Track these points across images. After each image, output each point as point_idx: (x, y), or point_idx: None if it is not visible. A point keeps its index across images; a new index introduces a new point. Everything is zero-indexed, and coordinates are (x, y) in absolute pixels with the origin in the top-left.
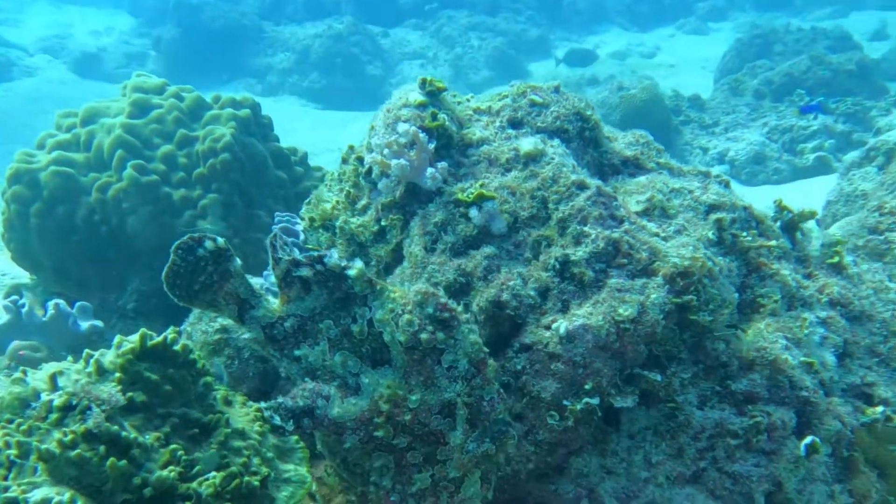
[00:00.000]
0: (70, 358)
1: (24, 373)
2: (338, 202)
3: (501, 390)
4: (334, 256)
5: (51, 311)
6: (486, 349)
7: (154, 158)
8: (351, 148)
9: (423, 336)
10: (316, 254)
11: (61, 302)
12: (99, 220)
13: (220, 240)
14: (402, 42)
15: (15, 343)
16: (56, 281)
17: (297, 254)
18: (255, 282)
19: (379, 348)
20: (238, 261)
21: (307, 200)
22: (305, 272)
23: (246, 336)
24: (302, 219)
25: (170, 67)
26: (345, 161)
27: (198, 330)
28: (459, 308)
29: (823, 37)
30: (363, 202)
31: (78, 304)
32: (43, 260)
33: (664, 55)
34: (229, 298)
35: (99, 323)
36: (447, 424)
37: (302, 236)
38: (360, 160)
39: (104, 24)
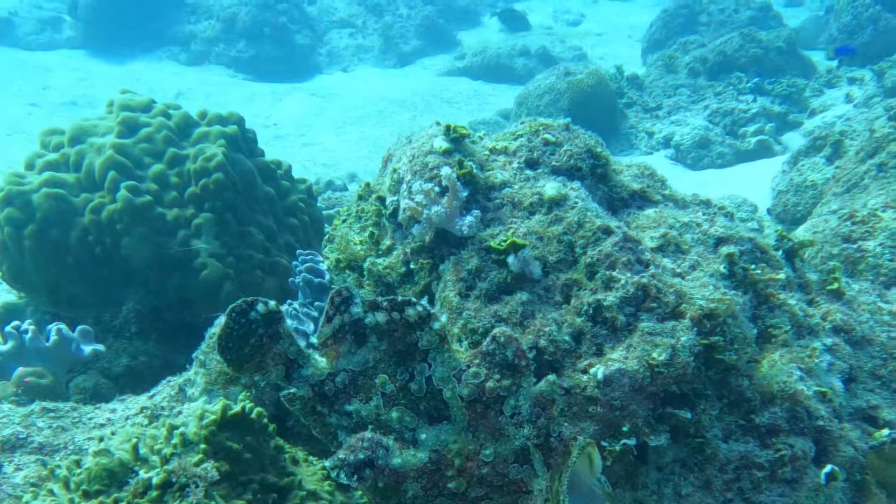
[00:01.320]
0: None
1: (101, 439)
2: (361, 241)
3: (567, 423)
4: (422, 303)
5: (53, 337)
6: (559, 391)
7: (146, 178)
8: (367, 185)
9: (490, 385)
10: (400, 298)
11: (63, 327)
12: (93, 241)
13: (272, 302)
14: (328, 10)
15: (20, 370)
16: (50, 301)
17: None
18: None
19: (437, 406)
20: (288, 321)
21: (326, 238)
22: (380, 318)
23: (291, 391)
24: (325, 258)
25: (87, 34)
26: (361, 198)
27: (212, 359)
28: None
29: (745, 7)
30: (387, 242)
31: (79, 328)
32: (36, 281)
33: (589, 23)
34: (277, 359)
35: (101, 347)
36: (526, 472)
37: (328, 276)
38: (381, 200)
39: None
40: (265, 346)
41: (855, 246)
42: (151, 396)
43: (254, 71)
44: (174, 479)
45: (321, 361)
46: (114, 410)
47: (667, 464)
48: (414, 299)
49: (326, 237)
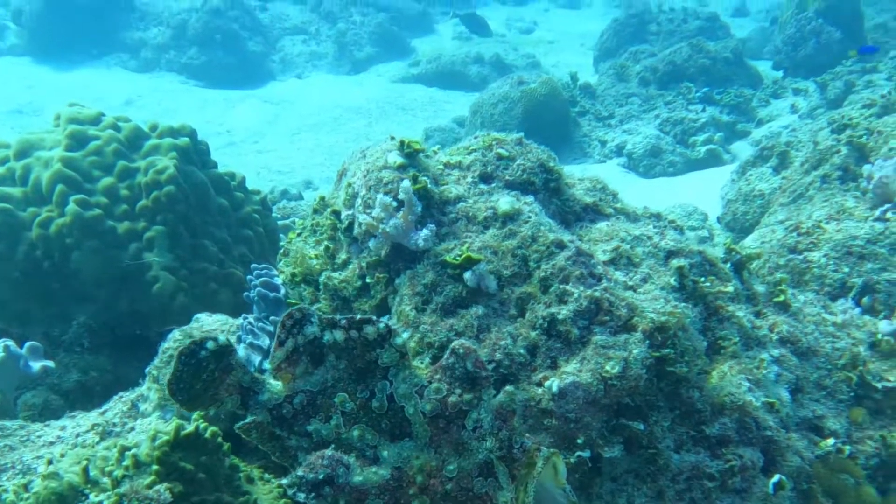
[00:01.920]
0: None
1: (50, 461)
2: (316, 255)
3: (527, 434)
4: (383, 321)
5: (1, 354)
6: (517, 400)
7: (95, 192)
8: (322, 199)
9: (452, 399)
10: (359, 317)
11: (11, 343)
12: (41, 256)
13: (222, 338)
14: (281, 17)
15: None
16: None
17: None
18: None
19: (398, 423)
20: (240, 352)
21: (281, 252)
22: (338, 336)
23: (250, 419)
24: (280, 272)
25: (33, 42)
26: (317, 211)
27: (165, 374)
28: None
29: (694, 17)
30: (342, 256)
31: (28, 344)
32: None
33: (542, 31)
34: (231, 389)
35: (50, 363)
36: (491, 485)
37: (283, 290)
38: (336, 214)
39: None
40: (217, 379)
41: (801, 257)
42: (103, 413)
43: (206, 78)
44: (126, 503)
45: (276, 385)
46: (63, 428)
47: (620, 474)
48: (373, 317)
49: (281, 251)
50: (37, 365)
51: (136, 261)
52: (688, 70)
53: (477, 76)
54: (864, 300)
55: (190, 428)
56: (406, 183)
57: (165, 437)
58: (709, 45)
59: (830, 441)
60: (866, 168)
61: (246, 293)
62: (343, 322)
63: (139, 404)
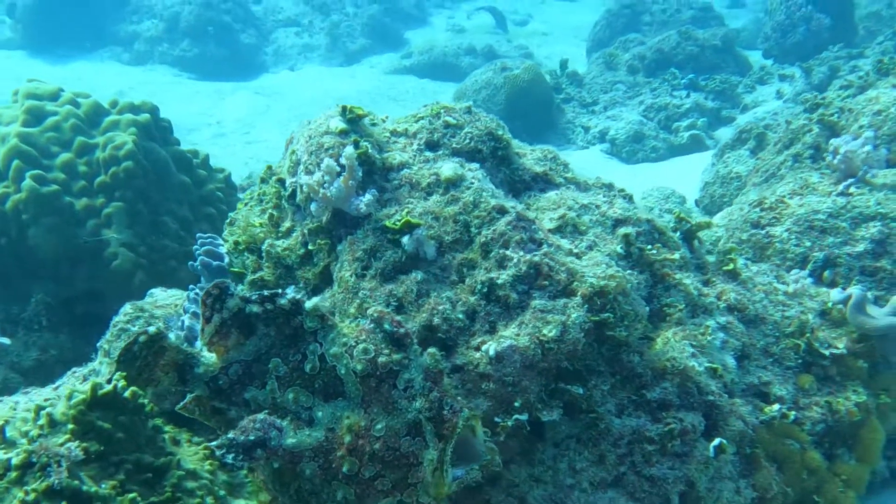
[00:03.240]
0: (10, 404)
1: None
2: (261, 224)
3: (458, 397)
4: (288, 293)
5: None
6: (442, 360)
7: (53, 168)
8: (269, 168)
9: (381, 360)
10: (268, 293)
11: None
12: None
13: (152, 329)
14: (274, 9)
15: None
16: None
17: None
18: (171, 293)
19: (332, 382)
20: (172, 336)
21: (227, 221)
22: (256, 309)
23: (190, 397)
24: (225, 240)
25: (27, 36)
26: (263, 181)
27: (116, 347)
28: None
29: (687, 7)
30: (287, 224)
31: None
32: None
33: (536, 23)
34: (167, 368)
35: (6, 340)
36: (418, 444)
37: (226, 259)
38: (281, 182)
39: None
40: (150, 364)
41: (763, 232)
42: (56, 388)
43: (198, 70)
44: (35, 459)
45: (210, 358)
46: (16, 403)
47: (563, 440)
48: (281, 290)
49: (228, 220)
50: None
51: (93, 238)
52: (675, 58)
53: (469, 67)
54: (826, 274)
55: (108, 387)
56: (349, 148)
57: (81, 396)
58: (697, 32)
59: (775, 407)
60: (833, 142)
61: (190, 262)
62: (255, 297)
63: (91, 378)
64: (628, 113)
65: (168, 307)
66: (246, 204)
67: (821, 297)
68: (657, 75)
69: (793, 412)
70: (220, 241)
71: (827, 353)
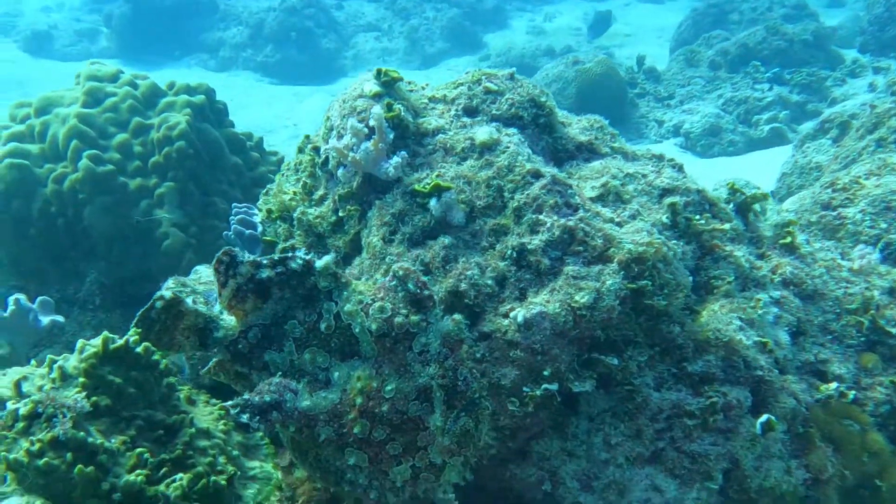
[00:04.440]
0: (34, 362)
1: None
2: (295, 193)
3: (474, 369)
4: (299, 256)
5: (11, 307)
6: (465, 329)
7: (109, 148)
8: (307, 137)
9: (398, 320)
10: (277, 256)
11: (22, 297)
12: (55, 212)
13: (168, 294)
14: (356, 14)
15: None
16: (13, 274)
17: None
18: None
19: (348, 341)
20: (190, 301)
21: (264, 191)
22: (267, 274)
23: (213, 362)
24: (259, 209)
25: (122, 44)
26: (301, 150)
27: None
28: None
29: (780, 5)
30: (320, 192)
31: (39, 298)
32: (1, 255)
33: (619, 25)
34: (187, 332)
35: (60, 318)
36: (425, 409)
37: (260, 227)
38: (317, 150)
39: (55, 0)
40: (170, 327)
41: (834, 213)
42: None
43: (279, 75)
44: (41, 410)
45: (231, 320)
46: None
47: (598, 413)
48: (292, 253)
49: (264, 191)
50: (46, 319)
51: (146, 218)
52: (761, 53)
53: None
54: None
55: (120, 342)
56: (377, 109)
57: (93, 350)
58: (786, 27)
59: (833, 385)
60: None
61: (225, 232)
62: (266, 262)
63: None
64: (705, 106)
65: (210, 283)
66: (283, 174)
67: (890, 276)
68: (740, 72)
69: (852, 392)
70: (255, 211)
71: (894, 331)
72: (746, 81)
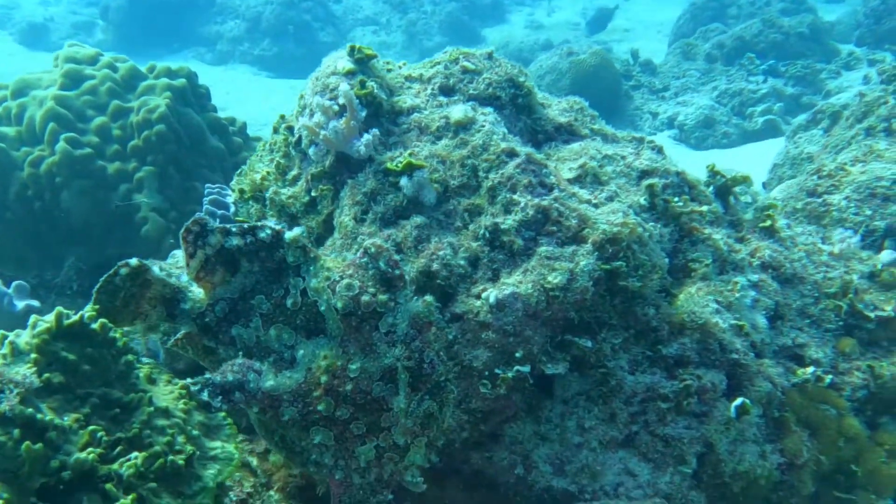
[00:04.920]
0: None
1: None
2: (268, 173)
3: (441, 352)
4: (269, 225)
5: None
6: (435, 311)
7: (88, 131)
8: (282, 117)
9: (365, 298)
10: (247, 224)
11: None
12: (32, 196)
13: (134, 261)
14: (354, 8)
15: None
16: None
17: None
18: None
19: (313, 318)
20: (156, 268)
21: (238, 171)
22: (236, 242)
23: (180, 333)
24: (232, 190)
25: (118, 37)
26: (276, 131)
27: None
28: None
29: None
30: (294, 172)
31: (14, 283)
32: None
33: (619, 19)
34: (154, 301)
35: (35, 303)
36: (389, 390)
37: (232, 208)
38: (291, 129)
39: None
40: (136, 295)
41: (819, 200)
42: None
43: (276, 69)
44: None
45: (199, 292)
46: None
47: (572, 397)
48: (261, 223)
49: (238, 171)
50: (21, 304)
51: (125, 202)
52: (757, 45)
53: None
54: (887, 244)
55: (74, 317)
56: (345, 86)
57: (45, 326)
58: (783, 20)
59: (809, 369)
60: None
61: (197, 213)
62: (235, 229)
63: None
64: (700, 98)
65: None
66: (258, 155)
67: (871, 260)
68: (735, 64)
69: (829, 376)
70: (229, 192)
71: (872, 315)
72: (741, 74)
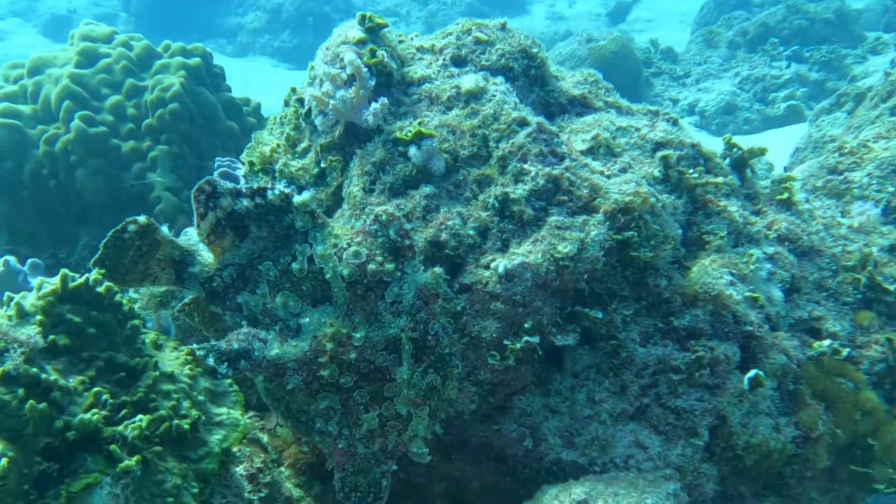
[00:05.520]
0: None
1: None
2: (277, 145)
3: (446, 324)
4: (278, 187)
5: (0, 269)
6: (443, 284)
7: (102, 109)
8: (293, 90)
9: (371, 267)
10: (256, 186)
11: (11, 259)
12: (47, 174)
13: (142, 218)
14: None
15: None
16: (5, 238)
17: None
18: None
19: (320, 286)
20: (165, 228)
21: (248, 145)
22: (246, 203)
23: (188, 298)
24: (242, 163)
25: (140, 28)
26: (286, 104)
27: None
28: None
29: None
30: (304, 144)
31: (29, 261)
32: None
33: (640, 10)
34: (163, 264)
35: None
36: (393, 360)
37: (242, 181)
38: (301, 101)
39: None
40: (146, 254)
41: (840, 178)
42: None
43: (295, 60)
44: None
45: (208, 257)
46: None
47: (583, 370)
48: (270, 185)
49: (249, 144)
50: (35, 281)
51: (139, 181)
52: (782, 32)
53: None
54: None
55: (80, 280)
56: (351, 54)
57: (51, 288)
58: (808, 6)
59: (826, 342)
60: None
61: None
62: (245, 190)
63: None
64: (721, 85)
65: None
66: (269, 129)
67: (892, 234)
68: (758, 50)
69: (846, 349)
70: (239, 165)
71: (892, 288)
72: (764, 59)
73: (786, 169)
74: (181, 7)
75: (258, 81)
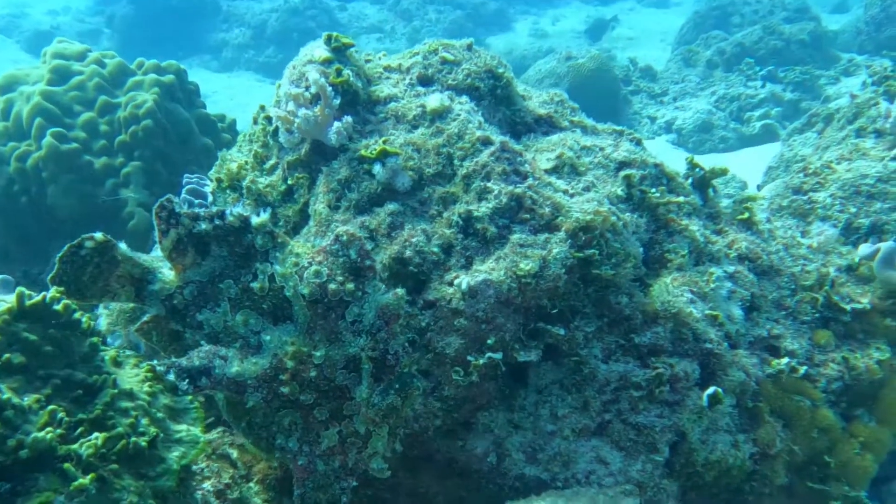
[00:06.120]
0: None
1: None
2: (245, 162)
3: (407, 344)
4: (236, 209)
5: None
6: (405, 304)
7: (75, 126)
8: (262, 107)
9: (332, 286)
10: (215, 209)
11: None
12: (19, 191)
13: (99, 235)
14: (359, 16)
15: None
16: None
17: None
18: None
19: (280, 304)
20: (123, 245)
21: (217, 162)
22: (204, 226)
23: (147, 316)
24: (211, 180)
25: (124, 45)
26: (255, 121)
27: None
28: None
29: (781, 8)
30: (272, 162)
31: (0, 277)
32: None
33: (622, 28)
34: (123, 281)
35: None
36: (353, 379)
37: (210, 198)
38: (269, 119)
39: (62, 3)
40: (105, 271)
41: (805, 197)
42: None
43: (280, 75)
44: None
45: (169, 274)
46: None
47: (546, 385)
48: (229, 208)
49: (217, 162)
50: (6, 298)
51: (111, 197)
52: (758, 52)
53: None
54: (870, 241)
55: (36, 298)
56: (315, 73)
57: (7, 306)
58: (783, 27)
59: (784, 360)
60: (884, 106)
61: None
62: (203, 214)
63: None
64: (698, 103)
65: None
66: (239, 146)
67: (850, 254)
68: (735, 71)
69: (804, 367)
70: (207, 181)
71: (848, 307)
72: (740, 79)
73: (759, 187)
74: (165, 24)
75: (243, 96)
